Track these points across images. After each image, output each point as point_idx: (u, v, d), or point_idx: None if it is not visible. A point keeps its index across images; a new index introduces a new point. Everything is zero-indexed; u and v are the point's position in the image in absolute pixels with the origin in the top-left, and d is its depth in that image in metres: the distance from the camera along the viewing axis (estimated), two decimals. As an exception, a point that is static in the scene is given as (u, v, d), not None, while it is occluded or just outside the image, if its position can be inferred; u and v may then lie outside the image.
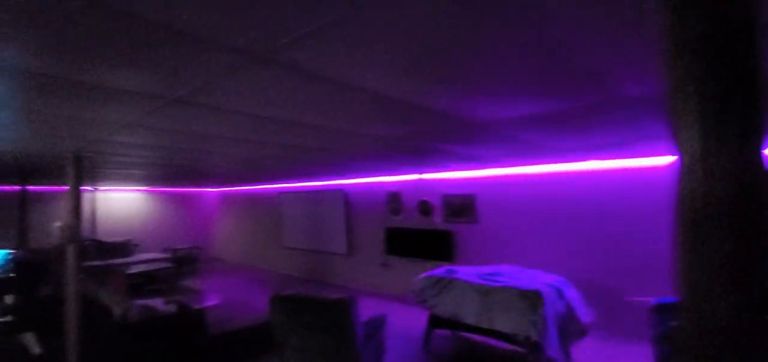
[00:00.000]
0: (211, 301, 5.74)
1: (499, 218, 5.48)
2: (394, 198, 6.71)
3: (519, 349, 3.74)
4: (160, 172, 5.14)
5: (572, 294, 3.80)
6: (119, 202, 9.90)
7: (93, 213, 9.44)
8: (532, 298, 3.47)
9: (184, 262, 9.27)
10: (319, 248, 8.13)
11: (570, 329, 3.61)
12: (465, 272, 4.39)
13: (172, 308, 4.75)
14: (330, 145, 2.96)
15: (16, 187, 5.89)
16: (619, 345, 4.27)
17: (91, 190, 9.40)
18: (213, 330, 4.16)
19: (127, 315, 3.63)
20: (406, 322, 5.41)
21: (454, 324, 4.20)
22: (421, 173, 5.90)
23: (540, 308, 3.40)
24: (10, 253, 3.92)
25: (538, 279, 3.91)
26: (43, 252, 6.82)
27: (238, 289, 7.63)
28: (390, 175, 6.25)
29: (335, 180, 7.32)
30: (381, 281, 7.00)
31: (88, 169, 4.69)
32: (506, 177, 5.40)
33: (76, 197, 3.15)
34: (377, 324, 3.65)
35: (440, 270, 4.54)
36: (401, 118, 2.06)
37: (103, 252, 8.52)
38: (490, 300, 3.80)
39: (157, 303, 4.33)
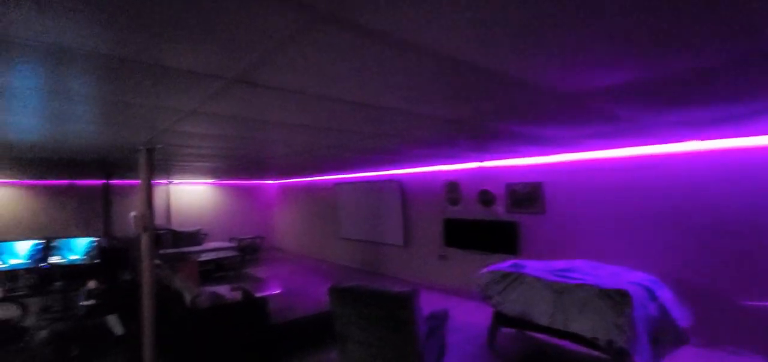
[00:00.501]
0: (272, 289, 5.91)
1: (569, 208, 5.00)
2: (452, 187, 6.43)
3: (600, 355, 3.35)
4: (225, 164, 5.34)
5: (666, 295, 3.32)
6: (190, 194, 10.60)
7: (168, 205, 10.21)
8: (616, 298, 3.07)
9: (248, 251, 9.72)
10: (375, 239, 8.08)
11: (665, 335, 3.15)
12: (534, 267, 4.04)
13: (237, 295, 4.92)
14: (388, 129, 2.79)
15: (101, 181, 6.45)
16: (728, 357, 3.68)
17: (165, 183, 10.16)
18: (275, 318, 4.22)
19: (197, 302, 3.77)
20: (467, 318, 5.15)
21: (522, 323, 3.87)
22: (481, 160, 5.56)
23: (627, 309, 2.99)
24: (94, 241, 4.24)
25: (623, 277, 3.47)
26: (124, 240, 7.46)
27: (298, 279, 7.81)
28: (448, 163, 5.98)
29: (391, 170, 7.19)
30: (438, 274, 6.78)
31: (160, 161, 4.99)
32: (579, 162, 4.90)
33: (148, 188, 3.29)
34: (439, 320, 3.45)
35: (506, 264, 4.22)
36: (469, 92, 1.83)
37: (177, 240, 9.18)
38: (566, 299, 3.44)
39: (224, 290, 4.49)
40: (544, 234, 5.26)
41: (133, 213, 3.22)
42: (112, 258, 4.44)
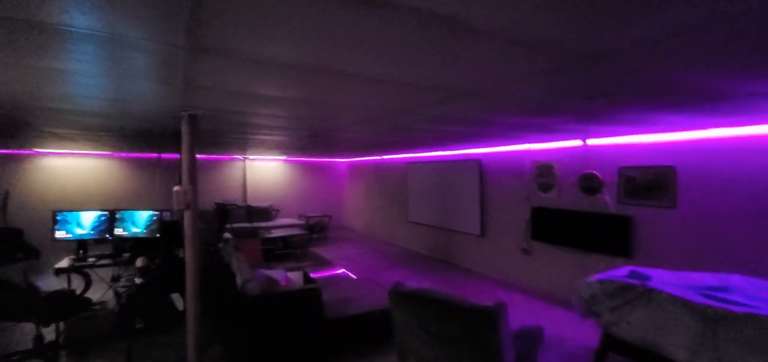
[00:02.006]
0: (335, 271, 5.50)
1: (714, 203, 3.73)
2: (544, 170, 5.37)
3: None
4: (295, 138, 4.96)
5: None
6: (265, 171, 10.75)
7: (244, 180, 10.47)
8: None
9: (316, 229, 9.59)
10: (447, 225, 7.30)
11: None
12: (665, 280, 2.98)
13: (294, 279, 4.55)
14: (472, 89, 2.00)
15: (176, 155, 6.55)
16: None
17: (241, 159, 10.41)
18: (331, 310, 3.73)
19: (247, 287, 3.40)
20: (558, 330, 4.20)
21: (645, 353, 2.87)
22: (585, 136, 4.44)
23: None
24: (154, 215, 4.10)
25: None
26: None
27: (363, 262, 7.38)
28: (540, 140, 4.93)
29: (469, 147, 6.30)
30: (520, 271, 5.81)
31: (237, 136, 4.76)
32: (735, 140, 3.58)
33: (191, 160, 2.93)
34: (532, 341, 2.63)
35: (621, 272, 3.20)
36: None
37: (250, 215, 9.34)
38: (723, 333, 2.39)
39: (278, 274, 4.12)
40: (672, 234, 4.03)
41: (175, 188, 2.88)
42: (172, 232, 4.30)
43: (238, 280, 3.59)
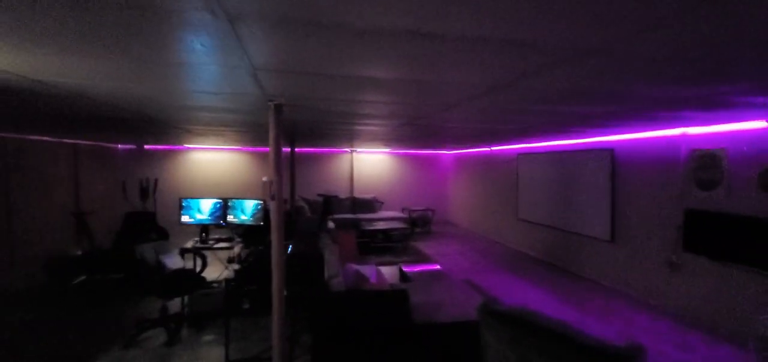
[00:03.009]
0: (431, 267, 5.13)
1: None
2: (706, 161, 4.11)
3: None
4: (398, 127, 4.75)
5: None
6: (370, 163, 10.92)
7: (351, 172, 10.80)
8: None
9: (418, 223, 9.33)
10: (565, 226, 6.27)
11: None
12: None
13: (387, 275, 4.32)
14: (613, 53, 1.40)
15: (287, 149, 6.97)
16: None
17: (349, 151, 10.75)
18: (420, 314, 3.38)
19: (332, 283, 3.28)
20: (731, 379, 3.10)
21: None
22: (778, 115, 3.18)
23: None
24: (259, 204, 4.29)
25: None
26: (309, 204, 8.04)
27: (464, 261, 6.83)
28: (700, 121, 3.75)
29: (596, 134, 5.24)
30: (666, 289, 4.59)
31: (343, 128, 4.79)
32: None
33: (277, 149, 2.87)
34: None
35: None
36: None
37: (355, 206, 9.57)
38: None
39: (369, 270, 3.93)
40: None
41: (264, 178, 2.86)
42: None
43: (325, 274, 3.50)
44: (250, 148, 9.81)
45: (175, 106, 3.13)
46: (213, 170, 9.77)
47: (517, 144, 7.37)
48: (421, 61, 1.66)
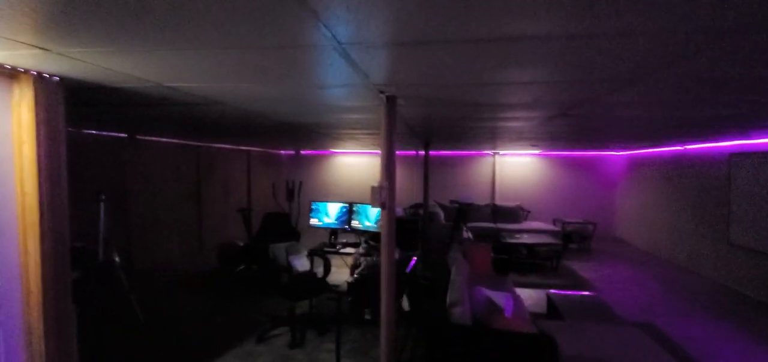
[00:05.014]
0: (595, 297, 3.94)
1: None
2: None
3: None
4: (548, 125, 3.91)
5: None
6: (515, 167, 9.79)
7: (493, 177, 9.86)
8: None
9: (574, 239, 7.78)
10: (825, 262, 4.12)
11: None
12: None
13: (526, 305, 3.46)
14: None
15: (421, 152, 6.63)
16: None
17: (491, 154, 9.82)
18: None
19: (453, 312, 2.68)
20: None
21: None
22: None
23: None
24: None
25: None
26: (450, 210, 7.50)
27: (640, 294, 5.22)
28: None
29: None
30: None
31: (486, 128, 4.27)
32: None
33: (389, 149, 2.45)
34: None
35: None
36: None
37: (496, 215, 8.62)
38: None
39: (505, 299, 3.16)
40: None
41: (374, 184, 2.49)
42: (404, 230, 4.13)
43: (448, 298, 2.91)
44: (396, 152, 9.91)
45: (297, 106, 3.05)
46: (352, 173, 10.26)
47: (730, 140, 5.31)
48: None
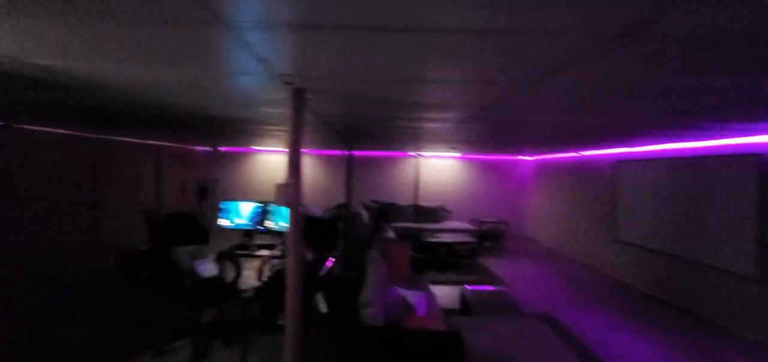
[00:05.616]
0: (504, 292, 4.17)
1: None
2: None
3: None
4: (465, 128, 4.01)
5: None
6: (437, 169, 10.10)
7: (416, 178, 10.09)
8: None
9: (488, 238, 8.26)
10: (686, 254, 4.83)
11: None
12: None
13: (439, 303, 3.53)
14: None
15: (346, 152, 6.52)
16: None
17: (415, 156, 10.05)
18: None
19: (366, 313, 2.61)
20: None
21: None
22: None
23: None
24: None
25: None
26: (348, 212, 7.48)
27: (544, 289, 5.68)
28: None
29: (735, 135, 3.86)
30: None
31: (406, 129, 4.21)
32: None
33: (295, 146, 2.29)
34: None
35: None
36: None
37: (419, 215, 8.83)
38: None
39: (419, 299, 3.18)
40: None
41: (278, 182, 2.32)
42: (316, 231, 3.97)
43: (361, 298, 2.84)
44: (319, 151, 9.64)
45: (194, 97, 2.74)
46: (273, 172, 9.81)
47: (617, 147, 6.01)
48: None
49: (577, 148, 6.63)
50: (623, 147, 5.85)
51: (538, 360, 2.70)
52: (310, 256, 3.85)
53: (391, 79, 2.06)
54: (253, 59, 1.72)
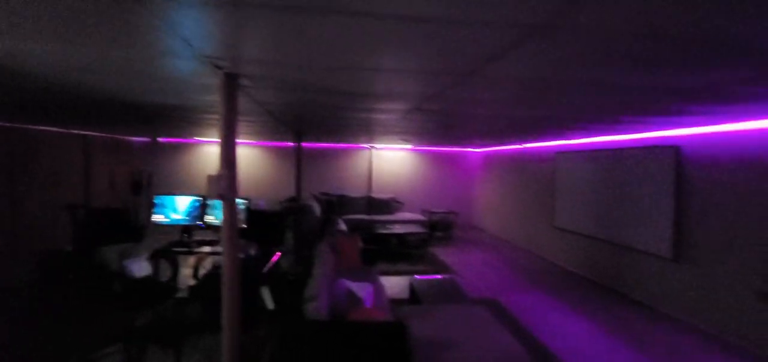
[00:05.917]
0: (449, 280, 4.28)
1: None
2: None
3: None
4: (413, 119, 4.01)
5: None
6: (389, 161, 10.15)
7: (369, 170, 10.08)
8: None
9: (439, 228, 8.47)
10: (612, 238, 5.25)
11: None
12: None
13: (386, 295, 3.56)
14: None
15: (294, 143, 6.33)
16: None
17: (367, 148, 10.03)
18: (424, 356, 2.60)
19: (310, 307, 2.55)
20: None
21: None
22: None
23: None
24: (243, 203, 3.64)
25: None
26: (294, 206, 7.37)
27: (492, 275, 5.92)
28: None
29: (656, 129, 4.23)
30: (752, 326, 3.54)
31: (361, 122, 4.11)
32: None
33: (228, 135, 2.17)
34: None
35: None
36: None
37: (371, 207, 8.84)
38: None
39: (366, 291, 3.17)
40: None
41: (210, 174, 2.18)
42: (262, 225, 3.83)
43: (306, 293, 2.78)
44: (267, 143, 9.31)
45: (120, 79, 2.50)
46: (216, 164, 9.35)
47: (555, 140, 6.38)
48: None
49: (520, 141, 6.95)
50: (561, 139, 6.21)
51: (480, 343, 2.80)
52: (253, 251, 3.71)
53: (330, 67, 2.00)
54: (179, 39, 1.59)
